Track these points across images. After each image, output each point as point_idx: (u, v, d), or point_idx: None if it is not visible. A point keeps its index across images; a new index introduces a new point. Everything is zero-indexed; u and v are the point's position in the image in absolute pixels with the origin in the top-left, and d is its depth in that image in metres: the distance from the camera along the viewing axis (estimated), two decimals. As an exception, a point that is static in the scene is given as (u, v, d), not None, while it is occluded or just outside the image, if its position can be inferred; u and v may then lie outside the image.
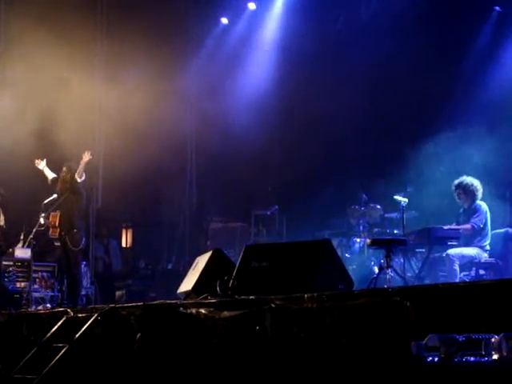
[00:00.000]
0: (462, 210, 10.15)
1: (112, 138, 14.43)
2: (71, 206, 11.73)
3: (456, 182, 10.07)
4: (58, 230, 11.64)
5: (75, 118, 13.02)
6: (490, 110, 12.28)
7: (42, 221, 11.58)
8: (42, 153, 12.36)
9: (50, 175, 12.07)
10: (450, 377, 3.08)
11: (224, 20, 16.12)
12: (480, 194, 9.93)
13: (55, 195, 11.73)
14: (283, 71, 15.63)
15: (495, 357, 3.11)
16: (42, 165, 12.07)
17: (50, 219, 11.64)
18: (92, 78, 14.48)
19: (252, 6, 15.89)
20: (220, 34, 16.10)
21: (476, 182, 9.93)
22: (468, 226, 9.77)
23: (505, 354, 3.09)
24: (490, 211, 10.00)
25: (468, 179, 9.96)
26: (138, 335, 5.94)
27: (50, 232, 11.71)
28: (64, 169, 11.86)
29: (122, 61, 14.73)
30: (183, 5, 15.61)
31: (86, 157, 11.60)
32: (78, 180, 11.66)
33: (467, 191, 9.91)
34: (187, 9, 15.76)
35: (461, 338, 3.22)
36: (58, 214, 11.67)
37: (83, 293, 12.49)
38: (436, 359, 3.23)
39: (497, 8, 13.48)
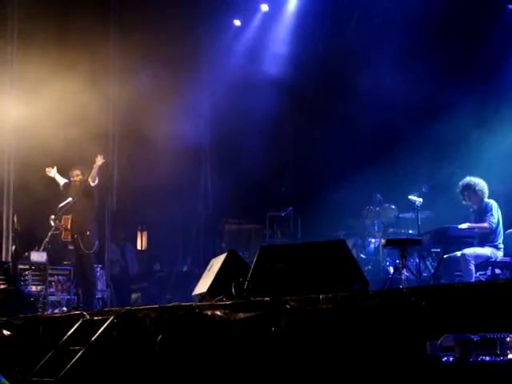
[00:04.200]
0: (471, 210, 10.09)
1: (126, 140, 14.49)
2: (83, 209, 11.80)
3: (463, 183, 9.97)
4: (70, 233, 11.71)
5: (89, 121, 13.09)
6: (503, 110, 12.24)
7: (52, 223, 11.65)
8: (56, 157, 12.43)
9: (62, 181, 12.14)
10: (465, 377, 3.07)
11: (237, 22, 16.16)
12: (487, 191, 9.87)
13: (70, 199, 11.79)
14: (296, 72, 15.63)
15: (510, 356, 3.10)
16: (52, 172, 12.14)
17: (62, 222, 11.72)
18: (105, 80, 14.55)
19: (265, 7, 15.92)
20: (233, 36, 16.14)
21: (482, 181, 9.88)
22: (485, 224, 9.68)
23: (520, 353, 3.09)
24: (503, 210, 9.96)
25: (473, 179, 9.88)
26: (159, 337, 5.93)
27: (63, 235, 11.79)
28: (76, 172, 11.92)
29: (135, 64, 14.79)
30: (195, 7, 15.68)
31: (99, 161, 11.67)
32: (92, 184, 11.73)
33: (477, 191, 9.84)
34: (199, 11, 15.82)
35: (476, 338, 3.21)
36: (69, 217, 11.74)
37: (99, 296, 12.53)
38: (451, 359, 3.22)
39: (510, 6, 13.43)
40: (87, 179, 11.75)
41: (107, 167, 13.41)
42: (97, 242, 11.95)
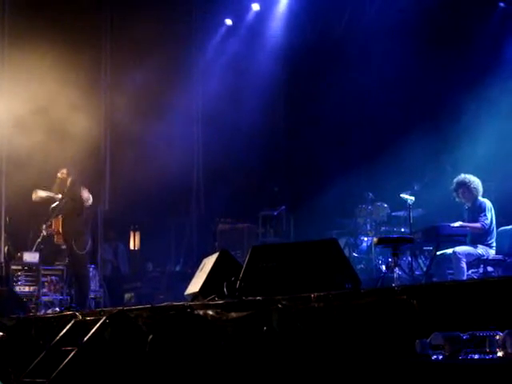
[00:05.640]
0: (466, 208, 10.09)
1: (118, 140, 14.47)
2: (73, 210, 11.68)
3: (457, 180, 9.94)
4: (63, 236, 11.63)
5: (81, 121, 13.06)
6: (494, 107, 12.26)
7: (44, 233, 11.54)
8: (48, 158, 12.39)
9: (48, 193, 11.85)
10: (455, 375, 3.08)
11: (228, 21, 16.16)
12: (481, 189, 9.87)
13: (60, 195, 11.67)
14: (288, 71, 15.65)
15: (500, 354, 3.11)
16: (38, 196, 11.87)
17: (53, 226, 11.62)
18: (98, 81, 14.55)
19: (256, 6, 15.92)
20: (224, 36, 16.14)
21: (476, 179, 9.88)
22: (478, 224, 9.68)
23: (509, 350, 3.09)
24: (496, 208, 9.97)
25: (468, 177, 9.87)
26: (150, 337, 5.93)
27: (56, 239, 11.71)
28: (63, 170, 11.81)
29: (127, 63, 14.77)
30: (187, 8, 15.68)
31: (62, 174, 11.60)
32: (87, 204, 11.63)
33: (471, 189, 9.84)
34: (191, 11, 15.83)
35: (465, 336, 3.22)
36: (60, 218, 11.62)
37: (92, 296, 12.49)
38: (440, 357, 3.23)
39: (501, 4, 13.46)
40: (72, 185, 11.60)
41: (99, 167, 13.40)
42: (90, 242, 11.89)
